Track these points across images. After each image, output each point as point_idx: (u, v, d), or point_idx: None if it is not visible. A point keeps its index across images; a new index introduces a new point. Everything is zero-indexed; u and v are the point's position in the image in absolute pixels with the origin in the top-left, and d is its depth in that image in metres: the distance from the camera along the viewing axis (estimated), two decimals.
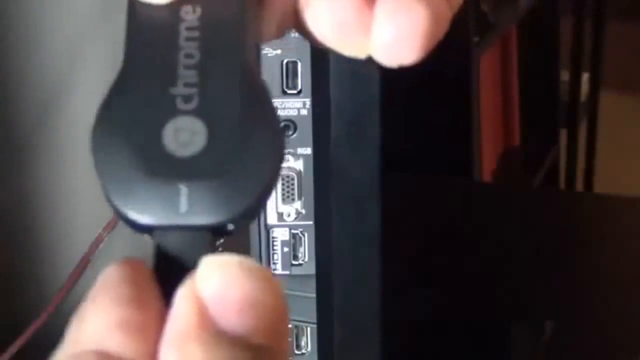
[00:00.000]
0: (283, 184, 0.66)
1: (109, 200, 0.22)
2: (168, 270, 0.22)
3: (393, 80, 0.60)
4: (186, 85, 0.22)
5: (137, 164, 0.22)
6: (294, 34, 0.69)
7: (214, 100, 0.22)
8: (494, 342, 0.85)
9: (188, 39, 0.23)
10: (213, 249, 0.22)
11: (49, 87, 0.76)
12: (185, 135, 0.22)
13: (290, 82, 0.63)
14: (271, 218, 0.67)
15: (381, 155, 0.59)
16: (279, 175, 0.23)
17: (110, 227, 0.75)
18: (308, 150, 0.65)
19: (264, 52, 0.61)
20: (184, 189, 0.22)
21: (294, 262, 0.67)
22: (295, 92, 0.64)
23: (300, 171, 0.66)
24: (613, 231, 0.91)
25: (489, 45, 1.16)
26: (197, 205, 0.22)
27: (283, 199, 0.67)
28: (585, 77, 1.68)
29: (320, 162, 0.61)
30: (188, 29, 0.23)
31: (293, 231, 0.67)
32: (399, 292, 0.67)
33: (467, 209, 0.86)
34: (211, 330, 0.20)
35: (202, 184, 0.22)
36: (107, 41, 0.83)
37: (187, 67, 0.23)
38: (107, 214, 0.74)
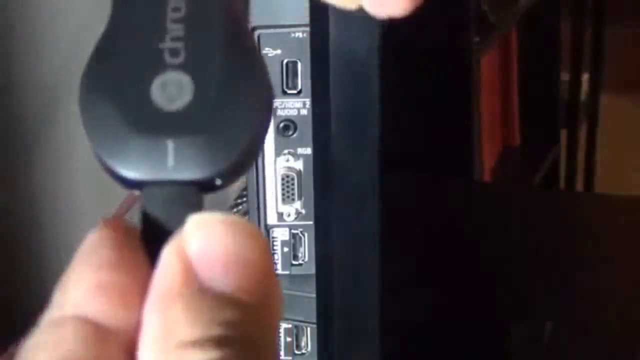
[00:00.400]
0: (283, 184, 0.66)
1: (97, 157, 0.22)
2: (155, 230, 0.21)
3: (393, 80, 0.60)
4: (173, 39, 0.22)
5: (124, 119, 0.22)
6: (294, 34, 0.68)
7: (200, 54, 0.22)
8: (494, 342, 0.85)
9: (170, 10, 0.23)
10: (200, 206, 0.21)
11: (49, 87, 0.76)
12: (172, 89, 0.22)
13: (290, 82, 0.63)
14: (271, 218, 0.67)
15: (381, 155, 0.59)
16: (267, 128, 0.22)
17: None
18: (308, 150, 0.65)
19: (263, 52, 0.61)
20: (171, 144, 0.21)
21: (294, 262, 0.67)
22: (295, 92, 0.64)
23: (300, 171, 0.66)
24: (613, 231, 0.91)
25: (489, 45, 1.16)
26: (185, 160, 0.21)
27: (283, 199, 0.67)
28: (585, 77, 1.68)
29: (320, 162, 0.61)
30: (173, 8, 0.23)
31: (293, 231, 0.67)
32: (399, 292, 0.67)
33: (467, 209, 0.86)
34: (195, 288, 0.20)
35: (189, 139, 0.21)
36: None
37: (174, 20, 0.22)
38: (107, 214, 0.74)
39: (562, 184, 1.59)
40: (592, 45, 1.69)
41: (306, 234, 0.67)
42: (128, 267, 0.20)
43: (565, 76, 1.59)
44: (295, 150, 0.65)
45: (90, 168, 0.84)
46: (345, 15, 0.55)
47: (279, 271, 0.67)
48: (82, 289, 0.20)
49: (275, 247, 0.67)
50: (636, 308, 0.78)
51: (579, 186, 1.67)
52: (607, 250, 0.87)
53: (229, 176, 0.22)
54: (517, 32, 1.38)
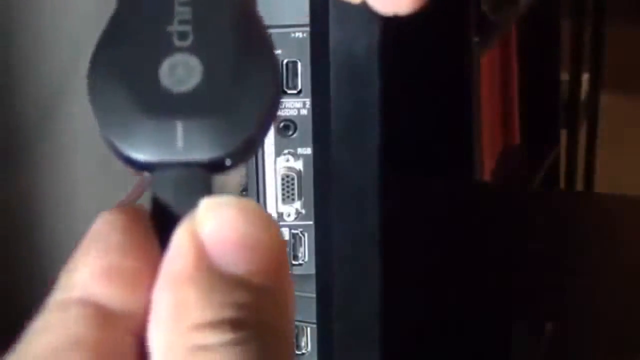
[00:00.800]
0: (283, 184, 0.66)
1: (106, 140, 0.22)
2: (165, 213, 0.21)
3: (393, 80, 0.60)
4: (181, 22, 0.22)
5: (133, 102, 0.22)
6: (294, 34, 0.68)
7: (208, 37, 0.22)
8: (494, 342, 0.85)
9: None
10: (210, 189, 0.21)
11: (49, 87, 0.76)
12: (181, 72, 0.22)
13: (290, 82, 0.63)
14: None
15: (381, 155, 0.59)
16: (276, 108, 0.22)
17: None
18: (308, 150, 0.65)
19: None
20: (180, 125, 0.21)
21: (294, 262, 0.67)
22: (295, 92, 0.64)
23: (300, 171, 0.66)
24: (613, 231, 0.91)
25: (489, 45, 1.16)
26: (194, 141, 0.21)
27: (283, 199, 0.67)
28: (585, 77, 1.68)
29: (320, 162, 0.61)
30: None
31: (293, 231, 0.67)
32: (399, 292, 0.67)
33: (467, 209, 0.86)
34: (207, 271, 0.20)
35: (198, 120, 0.21)
36: None
37: (182, 3, 0.22)
38: None
39: (562, 184, 1.59)
40: (592, 45, 1.69)
41: (306, 234, 0.67)
42: (137, 250, 0.20)
43: (565, 76, 1.59)
44: (295, 150, 0.65)
45: (92, 167, 0.83)
46: (345, 15, 0.55)
47: None
48: (89, 272, 0.20)
49: None
50: (636, 308, 0.78)
51: (579, 186, 1.67)
52: (607, 250, 0.87)
53: (238, 156, 0.22)
54: (517, 32, 1.38)
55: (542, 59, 1.48)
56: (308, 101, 0.63)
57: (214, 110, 0.22)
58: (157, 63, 0.22)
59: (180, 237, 0.20)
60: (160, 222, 0.21)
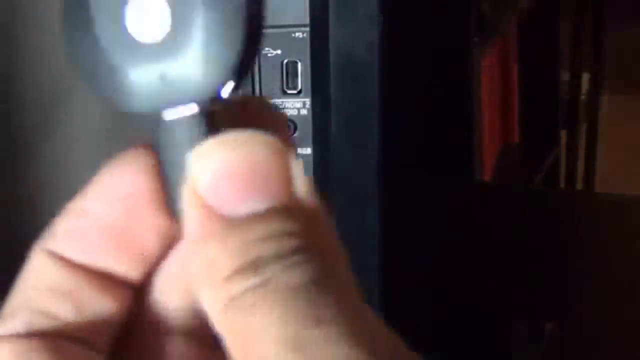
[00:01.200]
0: None
1: (103, 99, 0.23)
2: (171, 161, 0.21)
3: (393, 80, 0.60)
4: None
5: (114, 58, 0.22)
6: (295, 34, 0.68)
7: None
8: (494, 342, 0.85)
9: None
10: (209, 129, 0.21)
11: (49, 88, 0.76)
12: (150, 18, 0.21)
13: (290, 82, 0.63)
14: None
15: (381, 155, 0.59)
16: (260, 34, 0.21)
17: None
18: (308, 150, 0.65)
19: (263, 52, 0.61)
20: (167, 71, 0.21)
21: None
22: (295, 92, 0.64)
23: None
24: (613, 231, 0.91)
25: (489, 45, 1.16)
26: (184, 83, 0.21)
27: None
28: (586, 77, 1.68)
29: (320, 162, 0.61)
30: None
31: None
32: (399, 292, 0.67)
33: (467, 209, 0.87)
34: (217, 225, 0.19)
35: (179, 63, 0.21)
36: None
37: None
38: None
39: (562, 184, 1.59)
40: (592, 45, 1.69)
41: None
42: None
43: (565, 76, 1.59)
44: (295, 150, 0.65)
45: (91, 167, 0.83)
46: (345, 15, 0.55)
47: None
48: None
49: None
50: (636, 308, 0.78)
51: (579, 186, 1.67)
52: (607, 250, 0.87)
53: (229, 85, 0.21)
54: (517, 32, 1.38)
55: (542, 59, 1.48)
56: (308, 101, 0.63)
57: (193, 50, 0.20)
58: (122, 8, 0.21)
59: (185, 202, 0.20)
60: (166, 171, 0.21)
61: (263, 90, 0.61)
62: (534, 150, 1.43)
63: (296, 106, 0.64)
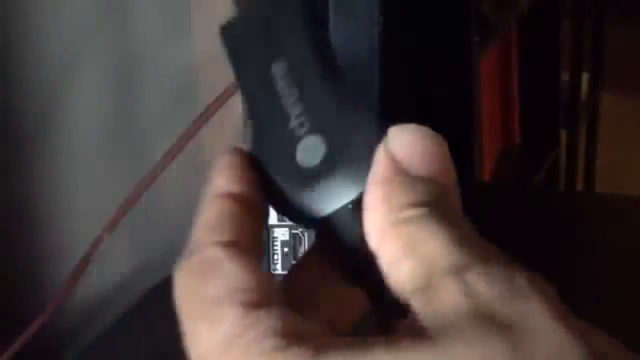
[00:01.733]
0: None
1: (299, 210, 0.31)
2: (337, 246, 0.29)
3: (393, 80, 0.60)
4: (298, 115, 0.30)
5: (289, 183, 0.30)
6: None
7: (318, 118, 0.30)
8: None
9: (284, 84, 0.30)
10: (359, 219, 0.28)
11: (48, 88, 0.76)
12: (311, 149, 0.30)
13: None
14: (271, 218, 0.67)
15: None
16: (381, 136, 0.29)
17: (111, 227, 0.75)
18: None
19: None
20: (334, 180, 0.29)
21: (294, 262, 0.67)
22: None
23: None
24: (613, 231, 0.91)
25: (489, 45, 1.16)
26: (344, 187, 0.29)
27: None
28: (586, 77, 1.68)
29: None
30: (281, 78, 0.30)
31: (293, 231, 0.67)
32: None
33: (467, 209, 0.86)
34: (401, 173, 0.28)
35: (337, 174, 0.29)
36: (106, 43, 0.83)
37: (292, 103, 0.30)
38: (107, 214, 0.74)
39: (562, 184, 1.59)
40: (592, 45, 1.69)
41: (306, 234, 0.67)
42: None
43: (565, 76, 1.59)
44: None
45: (91, 167, 0.83)
46: (345, 15, 0.55)
47: (279, 271, 0.67)
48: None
49: (275, 247, 0.67)
50: (636, 308, 0.78)
51: (579, 186, 1.67)
52: (607, 250, 0.87)
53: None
54: (517, 32, 1.38)
55: (542, 59, 1.48)
56: None
57: (346, 163, 0.29)
58: (294, 149, 0.30)
59: (378, 154, 0.28)
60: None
61: None
62: (534, 150, 1.43)
63: None
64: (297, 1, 0.31)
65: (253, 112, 0.31)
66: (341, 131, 0.30)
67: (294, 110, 0.30)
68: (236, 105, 0.56)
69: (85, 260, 0.72)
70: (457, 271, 0.26)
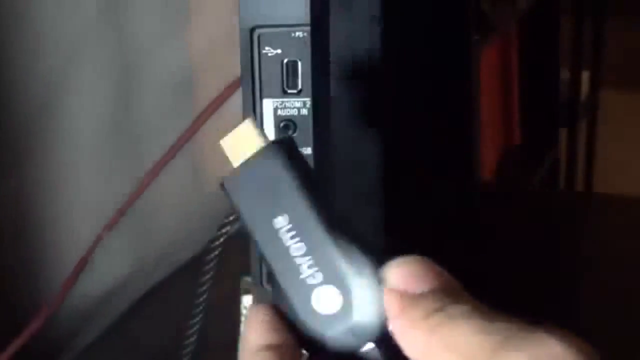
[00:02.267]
0: None
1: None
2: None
3: (393, 80, 0.60)
4: (309, 267, 0.33)
5: (310, 327, 0.34)
6: (295, 34, 0.68)
7: (329, 269, 0.33)
8: None
9: (288, 238, 0.34)
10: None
11: (47, 89, 0.76)
12: (327, 298, 0.33)
13: (290, 82, 0.63)
14: None
15: (381, 155, 0.59)
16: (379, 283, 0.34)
17: (110, 227, 0.75)
18: (308, 150, 0.64)
19: (264, 51, 0.61)
20: (352, 327, 0.33)
21: None
22: (295, 92, 0.64)
23: None
24: (613, 231, 0.91)
25: (489, 44, 1.16)
26: (361, 333, 0.33)
27: None
28: (586, 75, 1.68)
29: (320, 162, 0.61)
30: (286, 231, 0.34)
31: None
32: None
33: (467, 208, 0.87)
34: (409, 297, 0.32)
35: (355, 318, 0.33)
36: (106, 43, 0.83)
37: (300, 256, 0.34)
38: (107, 214, 0.74)
39: (562, 184, 1.59)
40: (592, 44, 1.69)
41: None
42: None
43: (565, 75, 1.59)
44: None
45: (91, 166, 0.83)
46: (345, 15, 0.55)
47: None
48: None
49: None
50: (636, 308, 0.78)
51: (579, 186, 1.67)
52: (607, 250, 0.87)
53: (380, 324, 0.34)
54: (517, 32, 1.38)
55: (542, 59, 1.48)
56: (308, 101, 0.63)
57: (360, 313, 0.33)
58: (309, 298, 0.34)
59: (386, 296, 0.33)
60: None
61: (263, 90, 0.60)
62: (534, 150, 1.43)
63: (296, 106, 0.64)
64: (288, 162, 0.35)
65: (268, 265, 0.34)
66: (349, 280, 0.34)
67: (303, 263, 0.34)
68: (236, 105, 0.56)
69: (84, 261, 0.72)
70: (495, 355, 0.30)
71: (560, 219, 0.93)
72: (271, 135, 0.67)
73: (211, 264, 0.65)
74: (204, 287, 0.65)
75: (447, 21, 0.79)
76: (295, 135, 0.65)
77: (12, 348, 0.67)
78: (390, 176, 0.61)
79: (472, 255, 0.83)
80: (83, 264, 0.72)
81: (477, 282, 0.83)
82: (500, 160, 1.26)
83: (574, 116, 1.65)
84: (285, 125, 0.65)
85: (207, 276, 0.66)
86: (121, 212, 0.70)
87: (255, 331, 0.33)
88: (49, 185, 0.77)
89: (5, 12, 0.71)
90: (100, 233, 0.74)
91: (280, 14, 0.60)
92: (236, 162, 0.34)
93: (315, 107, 0.61)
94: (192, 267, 0.77)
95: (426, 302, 0.32)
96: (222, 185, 0.34)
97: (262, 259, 0.34)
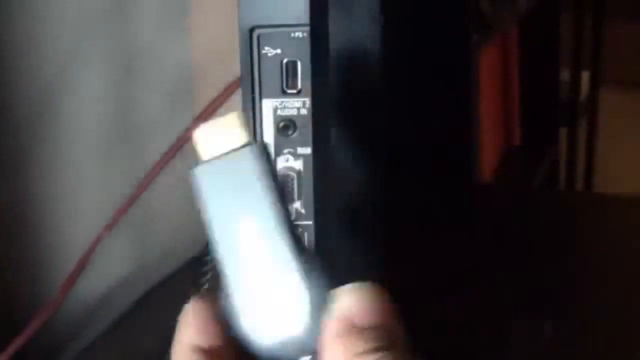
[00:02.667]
0: (283, 184, 0.66)
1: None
2: None
3: (393, 79, 0.60)
4: (261, 274, 0.33)
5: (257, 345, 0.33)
6: (294, 34, 0.68)
7: (281, 281, 0.33)
8: (494, 341, 0.85)
9: (248, 242, 0.33)
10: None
11: (48, 88, 0.76)
12: (272, 309, 0.33)
13: (290, 81, 0.63)
14: None
15: (381, 155, 0.59)
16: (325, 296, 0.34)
17: (110, 227, 0.75)
18: (308, 150, 0.64)
19: (263, 51, 0.61)
20: (296, 338, 0.33)
21: None
22: (295, 91, 0.64)
23: (300, 171, 0.66)
24: (613, 231, 0.91)
25: (489, 44, 1.16)
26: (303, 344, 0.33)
27: None
28: (586, 75, 1.69)
29: (320, 162, 0.61)
30: (248, 235, 0.33)
31: None
32: (399, 292, 0.67)
33: (467, 209, 0.87)
34: (352, 328, 0.32)
35: (285, 337, 0.33)
36: (106, 43, 0.83)
37: (255, 261, 0.33)
38: (107, 214, 0.74)
39: (562, 184, 1.59)
40: (592, 44, 1.69)
41: (305, 234, 0.67)
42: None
43: (565, 75, 1.59)
44: (295, 150, 0.65)
45: (90, 166, 0.83)
46: (345, 14, 0.55)
47: None
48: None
49: None
50: (636, 308, 0.78)
51: (579, 186, 1.67)
52: (607, 250, 0.87)
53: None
54: (517, 32, 1.38)
55: (542, 58, 1.48)
56: (308, 101, 0.63)
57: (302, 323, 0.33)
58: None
59: (329, 314, 0.33)
60: None
61: (263, 90, 0.60)
62: (534, 149, 1.43)
63: (296, 106, 0.64)
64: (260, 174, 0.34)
65: (219, 264, 0.33)
66: (300, 295, 0.33)
67: (256, 269, 0.33)
68: (236, 105, 0.56)
69: (84, 261, 0.72)
70: None
71: (560, 219, 0.93)
72: (271, 137, 0.67)
73: (211, 264, 0.65)
74: (204, 287, 0.65)
75: (447, 21, 0.79)
76: (295, 135, 0.65)
77: (12, 348, 0.67)
78: (390, 176, 0.61)
79: (472, 255, 0.83)
80: (83, 264, 0.72)
81: (475, 281, 0.84)
82: (500, 160, 1.26)
83: (573, 116, 1.65)
84: (285, 125, 0.65)
85: (207, 276, 0.66)
86: (121, 212, 0.70)
87: (188, 329, 0.33)
88: (49, 185, 0.77)
89: (5, 12, 0.71)
90: (100, 233, 0.75)
91: (279, 14, 0.60)
92: (208, 154, 0.33)
93: (316, 107, 0.61)
94: (192, 267, 0.77)
95: (364, 339, 0.32)
96: (192, 174, 0.33)
97: (214, 256, 0.34)
